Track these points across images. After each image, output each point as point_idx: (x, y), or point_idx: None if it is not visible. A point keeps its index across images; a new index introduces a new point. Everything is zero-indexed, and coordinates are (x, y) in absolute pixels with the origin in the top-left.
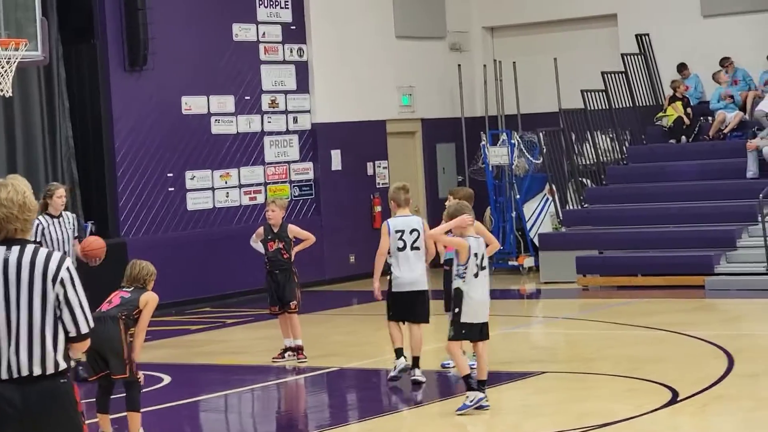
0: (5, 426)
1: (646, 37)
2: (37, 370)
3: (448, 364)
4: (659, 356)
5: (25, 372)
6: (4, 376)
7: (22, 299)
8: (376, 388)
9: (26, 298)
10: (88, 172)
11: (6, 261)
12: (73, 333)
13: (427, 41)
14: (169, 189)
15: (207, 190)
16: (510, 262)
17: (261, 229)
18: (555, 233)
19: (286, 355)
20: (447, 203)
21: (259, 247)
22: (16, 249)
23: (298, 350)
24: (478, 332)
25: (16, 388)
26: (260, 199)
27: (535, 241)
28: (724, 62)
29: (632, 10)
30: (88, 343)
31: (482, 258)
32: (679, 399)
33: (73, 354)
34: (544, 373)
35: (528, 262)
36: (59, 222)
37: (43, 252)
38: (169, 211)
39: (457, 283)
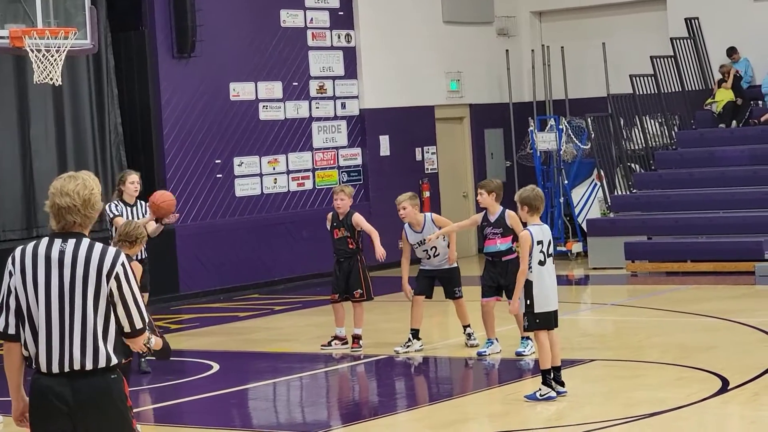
0: (54, 420)
1: (696, 20)
2: (89, 365)
3: (484, 352)
4: (709, 344)
5: (77, 366)
6: (56, 369)
7: (76, 293)
8: (426, 375)
9: (80, 293)
10: (136, 159)
11: (62, 254)
12: (127, 329)
13: (475, 26)
14: (217, 175)
15: (255, 176)
16: (558, 248)
17: (330, 215)
18: (603, 219)
19: (332, 343)
20: (479, 198)
21: None
22: (72, 242)
23: (355, 339)
24: (551, 320)
25: (66, 382)
26: (308, 185)
27: (584, 226)
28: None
29: None
30: (145, 336)
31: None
32: (729, 388)
33: (133, 347)
34: (593, 360)
35: (576, 247)
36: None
37: (98, 247)
38: (218, 197)
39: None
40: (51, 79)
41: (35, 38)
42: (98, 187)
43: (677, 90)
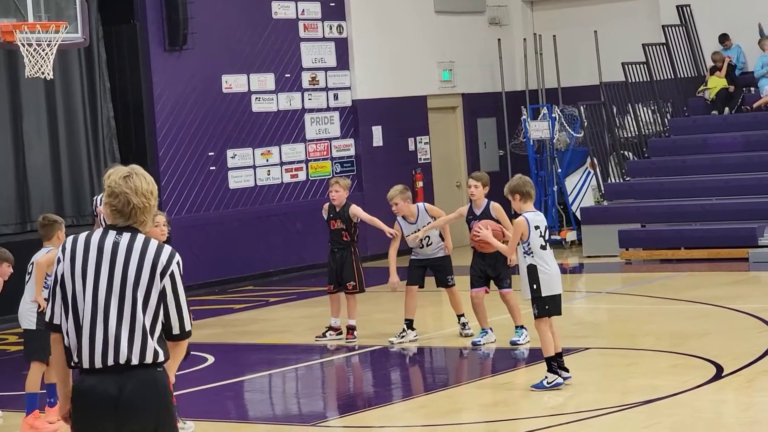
0: (100, 418)
1: (687, 8)
2: (135, 359)
3: (479, 341)
4: (703, 331)
5: (122, 360)
6: (99, 364)
7: (127, 287)
8: (421, 365)
9: (131, 287)
10: (129, 152)
11: (116, 245)
12: (176, 330)
13: (467, 16)
14: (211, 168)
15: (248, 168)
16: (552, 236)
17: (326, 206)
18: (597, 207)
19: (327, 334)
20: (473, 190)
21: None
22: (127, 235)
23: (349, 330)
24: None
25: (112, 379)
26: (302, 176)
27: (578, 215)
28: None
29: None
30: (186, 344)
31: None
32: (723, 374)
33: (174, 352)
34: (587, 349)
35: (570, 236)
36: None
37: (154, 242)
38: (211, 189)
39: (527, 260)
40: (43, 73)
41: (26, 32)
42: (151, 185)
43: (670, 77)
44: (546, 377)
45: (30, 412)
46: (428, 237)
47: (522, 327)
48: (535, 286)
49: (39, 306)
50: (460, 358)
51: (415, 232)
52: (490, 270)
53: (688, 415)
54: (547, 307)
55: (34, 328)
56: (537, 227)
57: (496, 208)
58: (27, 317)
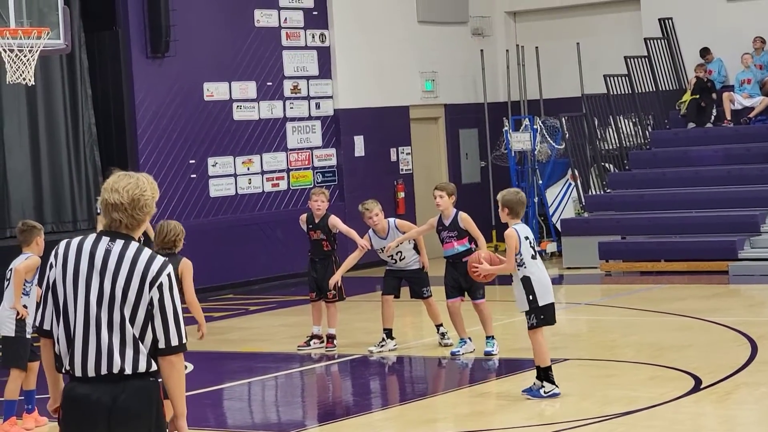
0: (92, 427)
1: (669, 21)
2: (128, 369)
3: (457, 351)
4: (682, 343)
5: (116, 369)
6: (91, 373)
7: (116, 296)
8: (400, 375)
9: (120, 296)
10: (110, 159)
11: (107, 253)
12: (161, 344)
13: (450, 26)
14: (192, 176)
15: (229, 176)
16: None
17: (304, 216)
18: (577, 218)
19: (311, 342)
20: (439, 201)
21: None
22: (120, 243)
23: (329, 338)
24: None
25: (105, 389)
26: (282, 185)
27: (558, 226)
28: (755, 42)
29: None
30: (181, 359)
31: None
32: (702, 387)
33: (163, 368)
34: (566, 360)
35: (551, 247)
36: None
37: (146, 252)
38: (192, 197)
39: (521, 272)
40: (24, 79)
41: (8, 38)
42: (153, 191)
43: (651, 90)
44: (543, 386)
45: (7, 418)
46: (401, 252)
47: (492, 337)
48: (531, 297)
49: (18, 313)
50: (438, 368)
51: (384, 248)
52: (463, 280)
53: (667, 427)
54: (543, 316)
55: (13, 335)
56: (527, 237)
57: (464, 218)
58: (6, 324)
